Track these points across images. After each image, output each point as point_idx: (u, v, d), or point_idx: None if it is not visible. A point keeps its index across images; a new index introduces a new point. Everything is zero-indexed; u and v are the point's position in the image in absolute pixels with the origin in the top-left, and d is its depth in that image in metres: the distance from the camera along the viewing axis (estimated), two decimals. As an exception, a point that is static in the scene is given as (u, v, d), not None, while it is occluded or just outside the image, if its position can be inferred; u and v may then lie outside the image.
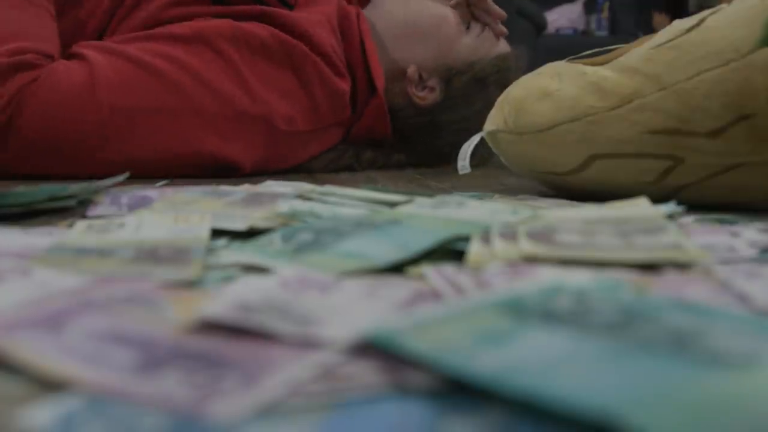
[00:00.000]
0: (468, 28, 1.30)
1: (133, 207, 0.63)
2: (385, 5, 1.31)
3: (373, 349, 0.28)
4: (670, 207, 0.57)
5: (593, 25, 5.10)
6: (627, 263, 0.41)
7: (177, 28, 1.08)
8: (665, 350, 0.27)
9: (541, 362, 0.26)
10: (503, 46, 1.33)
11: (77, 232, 0.51)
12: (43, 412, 0.24)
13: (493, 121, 0.85)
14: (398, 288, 0.37)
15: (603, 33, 5.06)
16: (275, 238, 0.48)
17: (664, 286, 0.38)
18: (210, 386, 0.25)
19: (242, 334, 0.30)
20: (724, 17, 0.72)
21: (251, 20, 1.13)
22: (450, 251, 0.46)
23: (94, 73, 0.99)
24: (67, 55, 1.03)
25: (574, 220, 0.50)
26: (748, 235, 0.51)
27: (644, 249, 0.43)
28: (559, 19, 4.89)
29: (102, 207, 0.64)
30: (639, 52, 0.76)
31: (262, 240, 0.48)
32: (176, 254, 0.45)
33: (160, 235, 0.50)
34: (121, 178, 0.75)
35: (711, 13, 0.74)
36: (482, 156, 1.02)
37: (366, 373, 0.27)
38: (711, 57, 0.70)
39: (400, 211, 0.55)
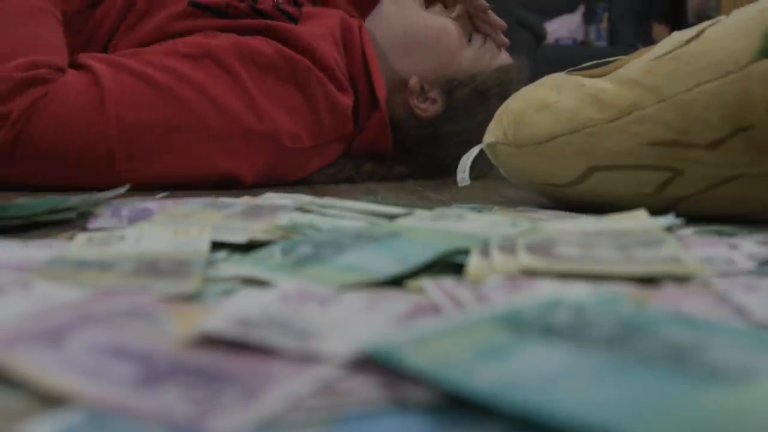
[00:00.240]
0: (470, 40, 1.29)
1: (134, 219, 0.63)
2: (385, 16, 1.30)
3: (372, 363, 0.28)
4: (669, 219, 0.57)
5: (592, 36, 5.11)
6: (626, 276, 0.41)
7: (183, 44, 1.08)
8: (664, 365, 0.27)
9: (540, 377, 0.26)
10: (505, 58, 1.33)
11: (78, 245, 0.51)
12: (44, 426, 0.24)
13: (492, 133, 0.86)
14: (398, 301, 0.37)
15: (602, 43, 5.06)
16: (275, 251, 0.48)
17: (663, 299, 0.38)
18: (210, 401, 0.25)
19: (242, 348, 0.30)
20: (722, 29, 0.72)
21: (255, 34, 1.13)
22: (449, 264, 0.46)
23: (102, 87, 0.99)
24: (76, 65, 1.03)
25: (573, 232, 0.50)
26: (746, 247, 0.51)
27: (643, 262, 0.43)
28: (558, 29, 4.90)
29: (102, 219, 0.64)
30: (638, 63, 0.76)
31: (262, 253, 0.48)
32: (176, 267, 0.45)
33: (160, 247, 0.50)
34: (121, 190, 0.75)
35: (710, 25, 0.74)
36: (482, 170, 1.02)
37: (365, 388, 0.27)
38: (710, 68, 0.70)
39: (400, 224, 0.55)
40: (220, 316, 0.33)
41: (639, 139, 0.73)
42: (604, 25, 5.11)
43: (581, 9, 5.08)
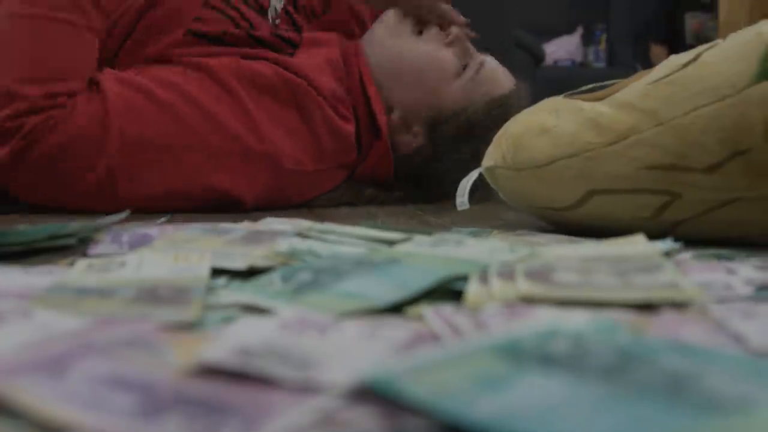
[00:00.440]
0: (465, 67, 1.25)
1: (134, 245, 0.63)
2: (376, 41, 1.28)
3: (372, 393, 0.28)
4: (668, 244, 0.58)
5: (591, 57, 5.14)
6: (624, 303, 0.42)
7: (187, 62, 1.09)
8: (662, 394, 0.27)
9: (539, 407, 0.26)
10: (505, 85, 1.29)
11: (78, 271, 0.51)
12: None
13: (491, 157, 0.86)
14: (397, 329, 0.37)
15: (601, 64, 5.09)
16: (275, 278, 0.48)
17: (661, 326, 0.38)
18: (211, 431, 0.26)
19: (242, 378, 0.30)
20: (719, 52, 0.73)
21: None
22: (449, 289, 0.46)
23: (107, 106, 1.01)
24: (90, 82, 1.04)
25: (571, 258, 0.50)
26: (744, 272, 0.51)
27: (641, 288, 0.43)
28: (557, 51, 4.92)
29: (103, 245, 0.64)
30: (636, 87, 0.77)
31: (262, 280, 0.48)
32: (176, 294, 0.45)
33: (160, 274, 0.50)
34: (122, 215, 0.76)
35: (707, 49, 0.75)
36: (482, 196, 1.01)
37: (365, 419, 0.27)
38: (707, 92, 0.70)
39: (399, 250, 0.55)
40: (220, 345, 0.33)
41: (637, 162, 0.73)
42: (603, 46, 5.14)
43: (580, 30, 5.11)
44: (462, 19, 1.28)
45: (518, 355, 0.31)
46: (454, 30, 1.26)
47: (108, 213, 0.77)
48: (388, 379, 0.28)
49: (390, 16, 1.29)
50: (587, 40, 5.15)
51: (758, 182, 0.70)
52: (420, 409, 0.27)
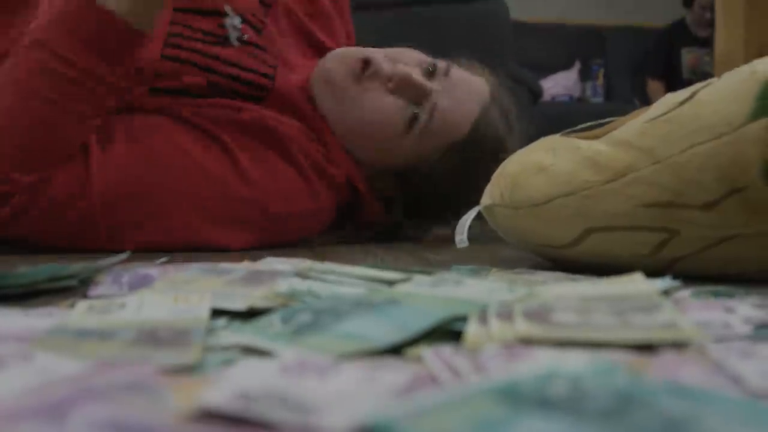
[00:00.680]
0: (415, 117, 1.15)
1: (135, 286, 0.63)
2: (328, 108, 1.20)
3: (371, 438, 0.29)
4: (666, 282, 0.58)
5: (588, 92, 5.16)
6: (623, 344, 0.42)
7: (160, 111, 1.08)
8: (660, 438, 0.27)
9: (537, 452, 0.26)
10: (461, 127, 1.17)
11: (78, 313, 0.51)
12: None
13: (489, 196, 0.87)
14: (397, 372, 0.37)
15: (598, 99, 5.12)
16: (274, 319, 0.48)
17: (660, 367, 0.38)
18: (210, 479, 0.26)
19: (242, 422, 0.30)
20: (715, 91, 0.74)
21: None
22: (448, 330, 0.46)
23: (90, 168, 1.00)
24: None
25: (570, 297, 0.50)
26: (743, 310, 0.51)
27: (640, 328, 0.43)
28: (554, 86, 4.95)
29: (103, 286, 0.64)
30: (633, 125, 0.77)
31: (262, 321, 0.48)
32: (176, 336, 0.45)
33: (160, 315, 0.50)
34: (123, 256, 0.76)
35: (702, 87, 0.76)
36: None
37: (365, 464, 0.27)
38: (703, 131, 0.71)
39: (399, 290, 0.56)
40: (220, 389, 0.33)
41: (635, 200, 0.74)
42: (600, 81, 5.18)
43: (577, 66, 5.15)
44: None
45: (517, 398, 0.31)
46: (398, 71, 1.16)
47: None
48: (388, 423, 0.28)
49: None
50: (585, 75, 5.18)
51: (755, 219, 0.70)
52: (419, 454, 0.27)
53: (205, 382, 0.37)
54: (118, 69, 0.99)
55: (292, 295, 0.55)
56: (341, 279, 0.62)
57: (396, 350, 0.43)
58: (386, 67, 1.16)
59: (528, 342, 0.42)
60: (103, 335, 0.46)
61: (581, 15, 5.42)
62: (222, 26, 1.15)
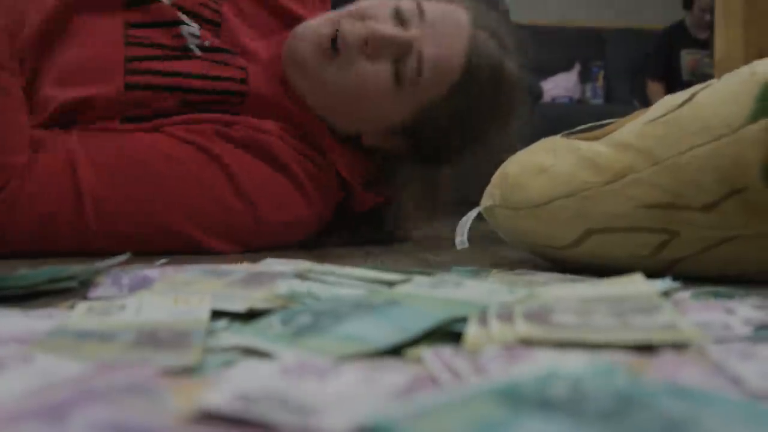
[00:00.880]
0: (403, 73, 1.09)
1: (134, 288, 0.63)
2: (308, 91, 1.15)
3: (371, 439, 0.29)
4: (666, 284, 0.58)
5: (588, 94, 5.16)
6: (623, 345, 0.42)
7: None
8: (660, 439, 0.27)
9: (537, 453, 0.26)
10: (454, 62, 1.10)
11: (78, 315, 0.51)
12: None
13: (489, 197, 0.87)
14: (396, 373, 0.37)
15: (598, 101, 5.12)
16: (274, 321, 0.48)
17: (660, 368, 0.38)
18: (210, 481, 0.26)
19: (243, 423, 0.30)
20: (715, 92, 0.74)
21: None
22: (448, 331, 0.46)
23: (77, 173, 0.99)
24: (50, 145, 1.01)
25: (570, 298, 0.50)
26: (742, 311, 0.51)
27: (640, 329, 0.43)
28: (554, 88, 4.95)
29: (103, 288, 0.64)
30: (633, 127, 0.78)
31: (262, 322, 0.48)
32: (176, 338, 0.45)
33: (160, 317, 0.50)
34: (123, 257, 0.76)
35: (702, 89, 0.76)
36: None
37: (365, 465, 0.27)
38: (703, 132, 0.71)
39: (399, 292, 0.56)
40: (220, 391, 0.33)
41: (634, 202, 0.74)
42: (600, 83, 5.17)
43: (577, 67, 5.14)
44: None
45: (517, 399, 0.31)
46: (371, 32, 1.08)
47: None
48: (388, 425, 0.28)
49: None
50: (585, 77, 5.17)
51: (755, 220, 0.70)
52: (419, 455, 0.27)
53: (205, 383, 0.37)
54: None
55: (291, 297, 0.55)
56: (341, 280, 0.62)
57: (396, 351, 0.43)
58: (357, 31, 1.09)
59: (528, 343, 0.42)
60: (104, 337, 0.46)
61: (581, 17, 5.42)
62: (179, 36, 1.11)
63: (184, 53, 1.10)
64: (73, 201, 0.99)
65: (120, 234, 1.00)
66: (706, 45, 4.35)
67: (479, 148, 1.18)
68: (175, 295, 0.56)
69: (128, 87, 1.06)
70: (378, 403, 0.33)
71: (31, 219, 0.98)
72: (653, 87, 4.69)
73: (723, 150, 0.70)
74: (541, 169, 0.80)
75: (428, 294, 0.54)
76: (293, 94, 1.15)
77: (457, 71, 1.11)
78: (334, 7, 1.22)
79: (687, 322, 0.45)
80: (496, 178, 0.87)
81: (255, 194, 1.07)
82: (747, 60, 0.78)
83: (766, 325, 0.48)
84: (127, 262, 0.76)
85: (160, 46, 1.10)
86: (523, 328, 0.44)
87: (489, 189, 0.88)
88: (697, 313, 0.51)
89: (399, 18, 1.10)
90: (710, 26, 3.97)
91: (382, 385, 0.35)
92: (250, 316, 0.52)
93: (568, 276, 0.73)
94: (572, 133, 0.87)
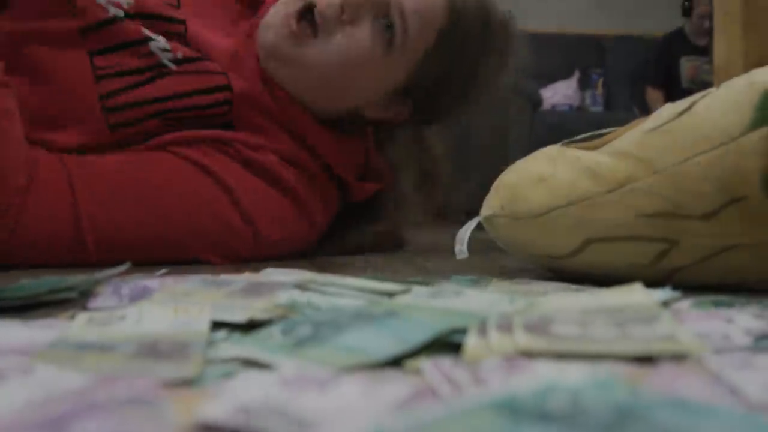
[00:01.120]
0: (390, 32, 1.06)
1: (134, 298, 0.63)
2: (294, 81, 1.11)
3: (371, 452, 0.29)
4: (666, 293, 0.58)
5: (588, 101, 5.17)
6: (622, 356, 0.42)
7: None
8: (659, 451, 0.27)
9: (536, 466, 0.26)
10: (438, 7, 1.08)
11: (78, 326, 0.51)
12: None
13: (489, 206, 0.87)
14: (396, 385, 0.37)
15: (598, 108, 5.13)
16: (275, 331, 0.48)
17: (659, 379, 0.38)
18: (210, 494, 0.26)
19: (242, 436, 0.30)
20: (714, 101, 0.74)
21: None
22: (448, 341, 0.46)
23: (76, 194, 0.98)
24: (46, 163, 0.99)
25: (570, 309, 0.51)
26: (742, 321, 0.51)
27: (639, 340, 0.43)
28: (554, 95, 4.96)
29: (103, 298, 0.64)
30: (632, 136, 0.78)
31: (262, 333, 0.48)
32: (176, 349, 0.45)
33: (160, 328, 0.50)
34: (122, 268, 0.76)
35: (701, 97, 0.76)
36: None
37: (364, 479, 0.27)
38: (702, 141, 0.71)
39: (399, 302, 0.56)
40: (219, 403, 0.33)
41: (634, 210, 0.74)
42: (600, 90, 5.18)
43: (577, 75, 5.15)
44: None
45: (516, 412, 0.31)
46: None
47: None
48: (388, 437, 0.29)
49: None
50: (584, 84, 5.18)
51: (755, 229, 0.70)
52: (419, 468, 0.27)
53: (205, 395, 0.37)
54: None
55: (292, 307, 0.55)
56: (341, 291, 0.62)
57: (396, 363, 0.43)
58: (332, 1, 1.06)
59: (528, 354, 0.42)
60: (104, 348, 0.46)
61: (581, 24, 5.42)
62: (149, 54, 1.06)
63: (159, 71, 1.07)
64: (73, 223, 0.98)
65: (119, 251, 0.98)
66: (706, 52, 4.35)
67: (483, 91, 1.17)
68: (175, 306, 0.56)
69: (112, 128, 1.04)
70: (378, 415, 0.33)
71: (32, 242, 0.97)
72: (653, 94, 4.69)
73: (723, 159, 0.70)
74: (540, 178, 0.80)
75: (428, 305, 0.54)
76: (274, 87, 1.12)
77: (442, 15, 1.09)
78: None
79: (686, 333, 0.45)
80: (495, 187, 0.87)
81: (254, 211, 1.06)
82: (746, 67, 0.79)
83: (767, 334, 0.48)
84: (127, 272, 0.76)
85: (131, 72, 1.06)
86: (522, 339, 0.44)
87: (488, 198, 0.88)
88: (696, 323, 0.51)
89: None
90: (709, 33, 3.97)
91: (382, 397, 0.35)
92: (250, 326, 0.52)
93: (568, 285, 0.73)
94: (572, 142, 0.87)
